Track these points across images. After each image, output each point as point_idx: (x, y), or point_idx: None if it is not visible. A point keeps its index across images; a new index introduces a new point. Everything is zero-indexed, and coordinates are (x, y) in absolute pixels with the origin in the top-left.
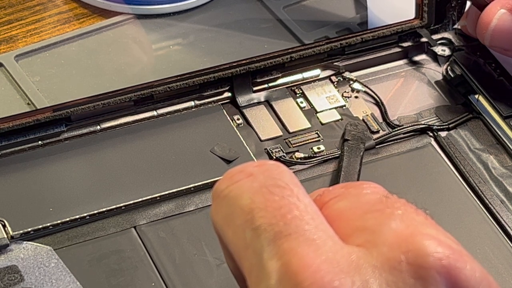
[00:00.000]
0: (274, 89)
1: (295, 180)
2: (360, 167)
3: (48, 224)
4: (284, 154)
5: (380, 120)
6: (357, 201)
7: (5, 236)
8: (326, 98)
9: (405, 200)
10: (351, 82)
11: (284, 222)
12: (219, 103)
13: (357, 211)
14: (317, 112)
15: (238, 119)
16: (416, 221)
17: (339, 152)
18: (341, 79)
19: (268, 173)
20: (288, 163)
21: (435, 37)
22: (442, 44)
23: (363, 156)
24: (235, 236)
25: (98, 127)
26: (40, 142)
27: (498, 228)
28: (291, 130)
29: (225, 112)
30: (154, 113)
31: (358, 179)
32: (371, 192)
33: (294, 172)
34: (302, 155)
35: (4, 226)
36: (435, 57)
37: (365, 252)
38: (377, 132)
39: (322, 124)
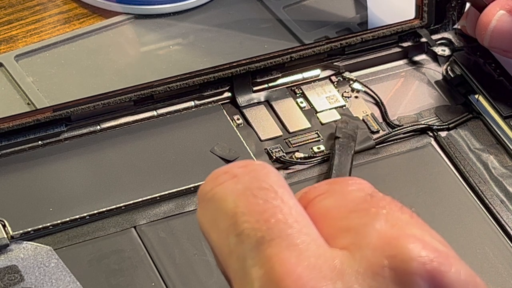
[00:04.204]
0: (274, 89)
1: (281, 181)
2: (351, 166)
3: (48, 224)
4: (284, 154)
5: (380, 120)
6: (343, 199)
7: (5, 236)
8: (326, 98)
9: (390, 198)
10: (351, 82)
11: (267, 226)
12: (219, 103)
13: (342, 210)
14: (317, 112)
15: (238, 119)
16: (401, 220)
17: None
18: (341, 79)
19: (253, 174)
20: (288, 163)
21: (435, 37)
22: (442, 44)
23: (354, 154)
24: (219, 240)
25: (98, 127)
26: (40, 142)
27: (498, 228)
28: (291, 130)
29: (225, 112)
30: (154, 113)
31: None
32: (357, 189)
33: (294, 172)
34: (302, 155)
35: (4, 226)
36: (435, 57)
37: (349, 256)
38: (377, 132)
39: (322, 124)
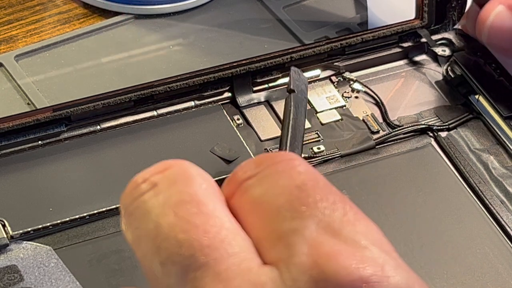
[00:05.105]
0: (274, 89)
1: (204, 186)
2: (304, 128)
3: (48, 224)
4: None
5: (380, 120)
6: (273, 188)
7: (5, 236)
8: (326, 98)
9: (322, 186)
10: (351, 82)
11: (190, 253)
12: (219, 103)
13: (273, 205)
14: (317, 112)
15: (238, 119)
16: (334, 221)
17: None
18: (341, 79)
19: (172, 181)
20: None
21: (435, 37)
22: (442, 44)
23: (306, 113)
24: (145, 263)
25: (98, 127)
26: (40, 142)
27: (498, 228)
28: None
29: (225, 112)
30: (154, 113)
31: (302, 142)
32: (287, 174)
33: None
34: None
35: (4, 226)
36: (435, 58)
37: (278, 279)
38: (377, 132)
39: (322, 124)
